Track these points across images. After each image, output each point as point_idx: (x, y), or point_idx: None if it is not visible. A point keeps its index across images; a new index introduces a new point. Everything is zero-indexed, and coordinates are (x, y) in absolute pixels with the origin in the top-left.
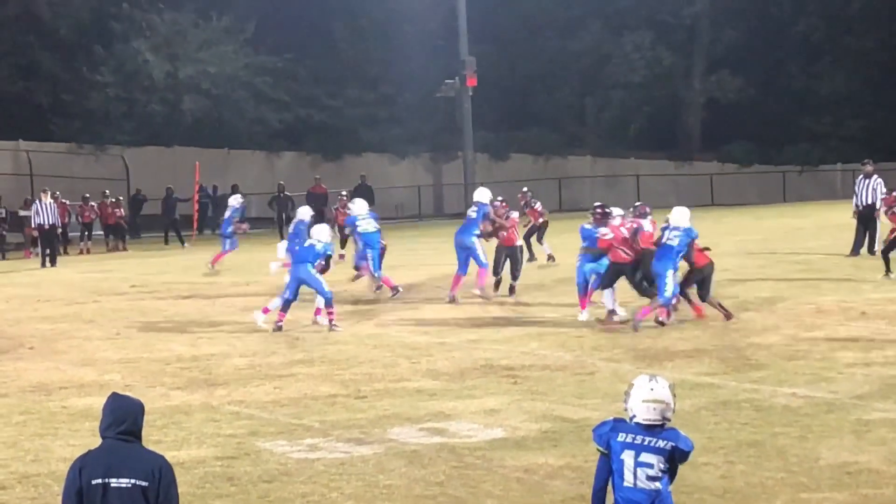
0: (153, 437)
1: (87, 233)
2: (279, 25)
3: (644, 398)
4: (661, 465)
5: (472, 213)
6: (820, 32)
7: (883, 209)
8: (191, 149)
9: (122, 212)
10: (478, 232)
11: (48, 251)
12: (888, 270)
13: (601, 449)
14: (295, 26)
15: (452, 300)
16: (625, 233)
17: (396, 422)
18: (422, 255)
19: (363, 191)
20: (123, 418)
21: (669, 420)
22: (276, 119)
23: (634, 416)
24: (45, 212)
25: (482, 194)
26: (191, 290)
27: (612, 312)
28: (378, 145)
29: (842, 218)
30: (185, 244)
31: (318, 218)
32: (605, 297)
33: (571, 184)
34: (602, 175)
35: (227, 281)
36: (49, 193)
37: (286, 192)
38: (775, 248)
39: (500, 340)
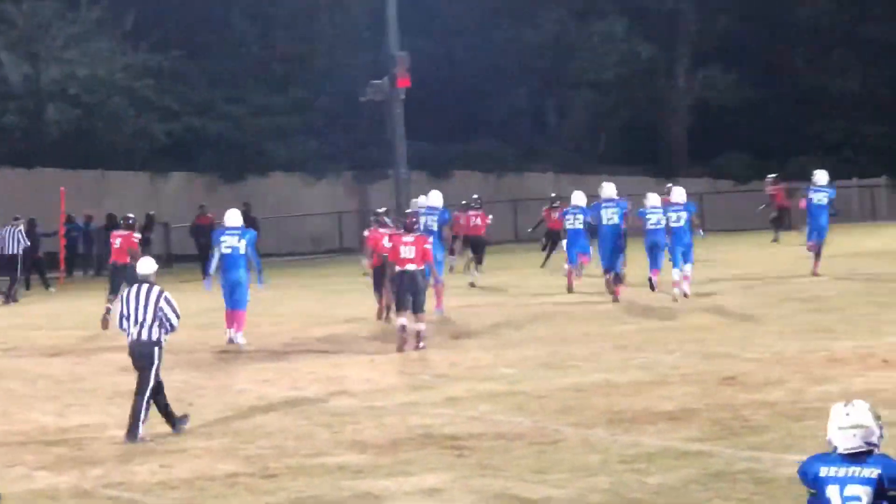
0: None
1: None
2: (165, 16)
3: (841, 425)
4: (870, 498)
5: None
6: (830, 18)
7: None
8: (56, 171)
9: None
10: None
11: None
12: None
13: (809, 489)
14: (184, 17)
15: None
16: None
17: None
18: (345, 299)
19: (199, 231)
20: None
21: (877, 446)
22: (163, 132)
23: (836, 448)
24: None
25: (436, 198)
26: (58, 345)
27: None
28: (289, 163)
29: (860, 245)
30: (51, 288)
31: (204, 253)
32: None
33: (530, 207)
34: (567, 196)
35: (105, 334)
36: None
37: (160, 222)
38: (779, 284)
39: (443, 403)
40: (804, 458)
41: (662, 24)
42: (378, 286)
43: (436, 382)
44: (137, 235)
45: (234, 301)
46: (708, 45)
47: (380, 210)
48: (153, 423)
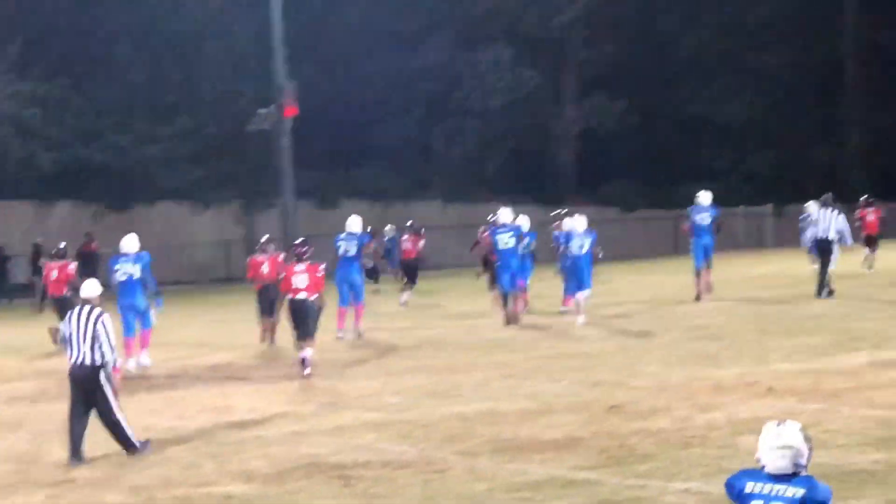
0: None
1: None
2: (51, 45)
3: (772, 445)
4: None
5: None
6: (715, 47)
7: None
8: None
9: None
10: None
11: None
12: None
13: (734, 502)
14: (71, 46)
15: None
16: None
17: None
18: (232, 329)
19: (85, 258)
20: None
21: (804, 468)
22: (49, 160)
23: (765, 466)
24: None
25: (355, 223)
26: None
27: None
28: (176, 192)
29: (748, 271)
30: None
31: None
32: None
33: None
34: (454, 225)
35: None
36: None
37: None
38: (665, 311)
39: (330, 432)
40: (690, 485)
41: (549, 53)
42: (263, 311)
43: (322, 411)
44: (74, 265)
45: (141, 325)
46: (595, 74)
47: (264, 238)
48: (47, 449)
